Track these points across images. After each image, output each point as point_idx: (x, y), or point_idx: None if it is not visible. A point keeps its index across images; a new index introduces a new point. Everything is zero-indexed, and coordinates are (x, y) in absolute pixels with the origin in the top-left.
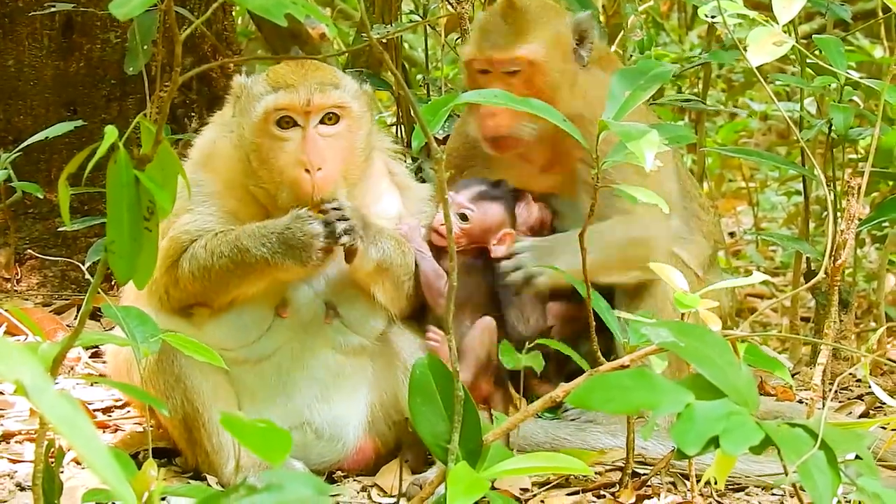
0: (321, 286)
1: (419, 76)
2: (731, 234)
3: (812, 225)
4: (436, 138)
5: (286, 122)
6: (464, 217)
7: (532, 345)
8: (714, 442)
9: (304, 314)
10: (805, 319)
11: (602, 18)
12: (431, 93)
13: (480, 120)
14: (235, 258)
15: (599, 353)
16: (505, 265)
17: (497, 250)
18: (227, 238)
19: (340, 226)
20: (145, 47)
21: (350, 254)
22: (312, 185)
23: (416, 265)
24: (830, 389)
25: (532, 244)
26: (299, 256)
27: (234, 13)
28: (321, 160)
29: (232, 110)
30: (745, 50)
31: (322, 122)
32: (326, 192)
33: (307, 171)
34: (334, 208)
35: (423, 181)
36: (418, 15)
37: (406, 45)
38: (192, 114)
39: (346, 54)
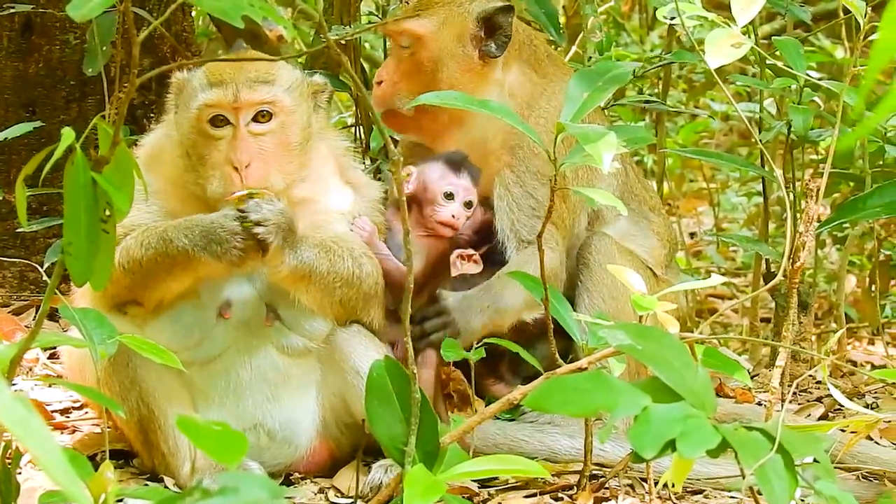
0: (262, 287)
1: None
2: (692, 235)
3: (773, 226)
4: (393, 139)
5: (219, 121)
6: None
7: (480, 344)
8: (671, 445)
9: (248, 315)
10: (765, 320)
11: (563, 19)
12: None
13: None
14: (160, 249)
15: (557, 355)
16: (433, 324)
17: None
18: (156, 230)
19: (254, 216)
20: (104, 48)
21: (264, 248)
22: (241, 182)
23: (377, 271)
24: (789, 392)
25: (458, 301)
26: (216, 251)
27: (193, 14)
28: (249, 157)
29: (173, 107)
30: (704, 52)
31: (255, 119)
32: (254, 184)
33: (236, 168)
34: (257, 202)
35: (381, 182)
36: (377, 16)
37: (366, 45)
38: (152, 115)
39: (306, 56)
